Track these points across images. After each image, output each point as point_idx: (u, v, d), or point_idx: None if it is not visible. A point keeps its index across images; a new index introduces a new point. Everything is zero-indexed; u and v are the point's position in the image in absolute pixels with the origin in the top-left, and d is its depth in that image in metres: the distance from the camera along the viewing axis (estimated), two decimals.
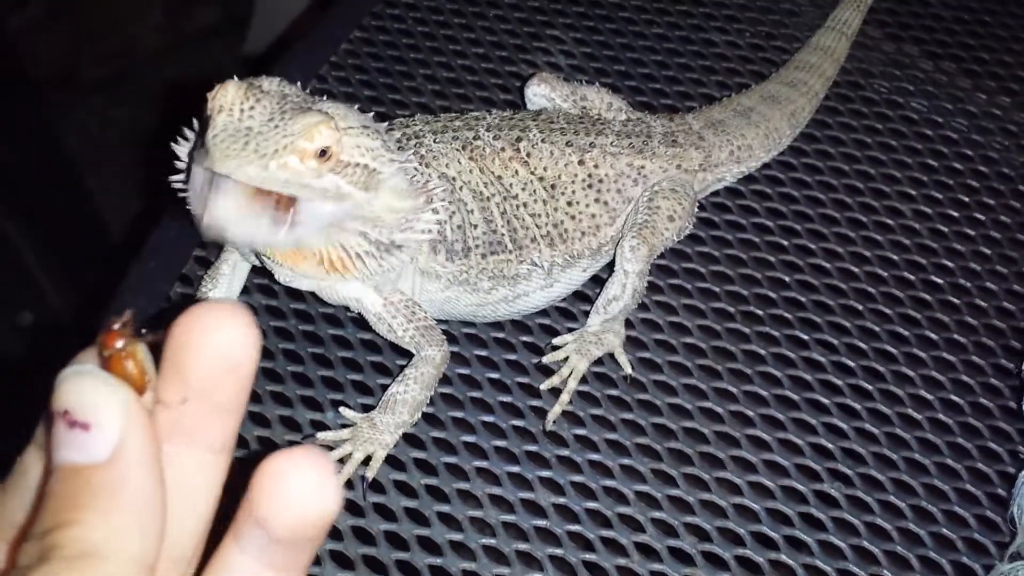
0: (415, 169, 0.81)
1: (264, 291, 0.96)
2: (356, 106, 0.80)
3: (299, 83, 0.78)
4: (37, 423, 0.44)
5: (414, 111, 1.09)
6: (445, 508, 0.86)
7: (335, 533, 0.84)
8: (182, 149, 0.79)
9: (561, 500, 0.87)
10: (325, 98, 0.78)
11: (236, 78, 0.73)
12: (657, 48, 1.17)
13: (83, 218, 2.39)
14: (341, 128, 0.73)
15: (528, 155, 0.89)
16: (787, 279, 1.00)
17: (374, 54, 1.14)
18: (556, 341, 0.94)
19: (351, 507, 0.85)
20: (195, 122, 0.78)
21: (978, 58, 1.18)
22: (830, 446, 0.91)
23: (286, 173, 0.71)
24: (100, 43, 2.68)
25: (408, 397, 0.86)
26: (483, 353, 0.94)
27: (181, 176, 0.79)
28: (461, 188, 0.86)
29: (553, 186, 0.90)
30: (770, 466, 0.89)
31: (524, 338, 0.96)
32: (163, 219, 0.99)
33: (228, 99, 0.71)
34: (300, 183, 0.72)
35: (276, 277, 0.84)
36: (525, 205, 0.89)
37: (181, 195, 0.78)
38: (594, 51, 1.16)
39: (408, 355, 0.91)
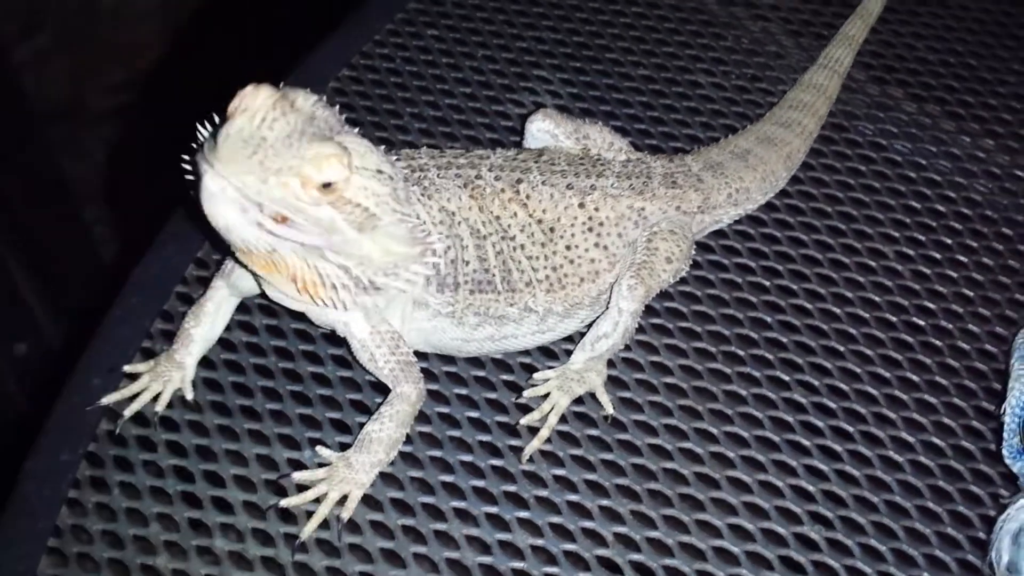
0: (418, 220, 0.81)
1: (245, 328, 0.96)
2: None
3: (336, 108, 0.78)
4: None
5: (401, 149, 1.10)
6: (422, 549, 0.85)
7: (310, 574, 0.83)
8: (206, 135, 0.78)
9: (539, 542, 0.86)
10: (357, 131, 0.79)
11: (270, 85, 0.73)
12: (643, 89, 1.18)
13: (82, 249, 2.40)
14: (354, 167, 0.74)
15: (527, 197, 0.90)
16: (769, 319, 1.00)
17: (362, 92, 1.15)
18: (537, 376, 0.94)
19: (326, 548, 0.84)
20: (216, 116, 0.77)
21: (962, 101, 1.19)
22: (811, 488, 0.90)
23: (283, 192, 0.72)
24: (106, 74, 2.71)
25: (383, 435, 0.86)
26: (463, 391, 0.94)
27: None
28: (459, 224, 0.87)
29: (552, 229, 0.90)
30: (750, 508, 0.89)
31: (504, 376, 0.95)
32: (146, 255, 1.00)
33: (255, 103, 0.72)
34: (295, 206, 0.73)
35: (266, 293, 0.85)
36: (522, 247, 0.89)
37: (189, 178, 0.78)
38: (581, 91, 1.17)
39: (388, 393, 0.91)
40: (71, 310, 2.23)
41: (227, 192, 0.71)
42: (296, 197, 0.72)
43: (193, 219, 1.00)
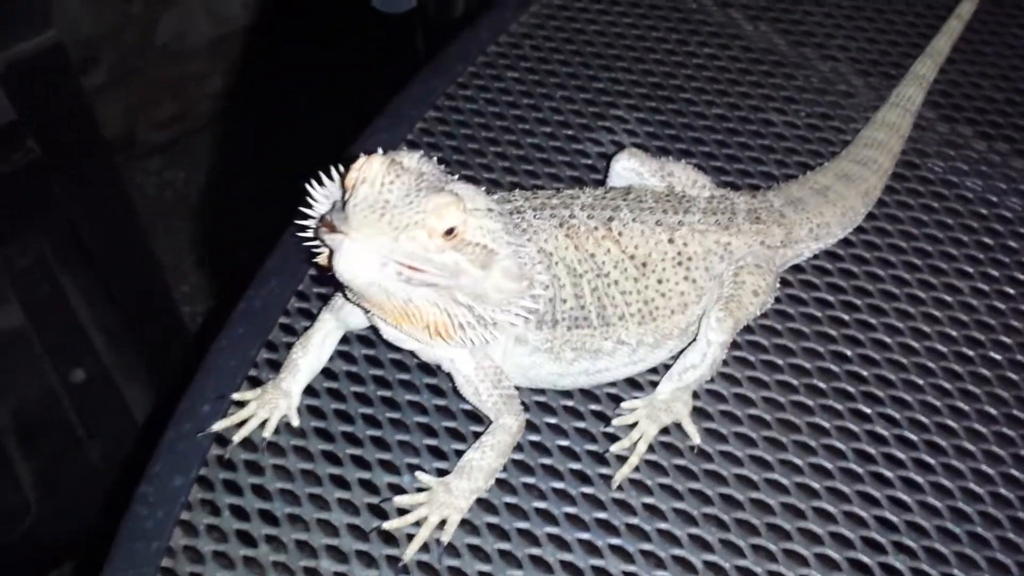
0: (526, 253, 0.86)
1: (345, 358, 1.00)
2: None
3: (435, 159, 0.85)
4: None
5: (486, 188, 1.14)
6: (518, 573, 0.88)
7: None
8: (317, 194, 0.85)
9: (631, 568, 0.89)
10: (457, 178, 0.85)
11: (380, 152, 0.80)
12: (717, 128, 1.22)
13: (136, 276, 2.46)
14: (468, 210, 0.79)
15: (620, 234, 0.93)
16: (848, 353, 1.03)
17: (447, 132, 1.20)
18: (625, 405, 0.97)
19: (427, 570, 0.88)
20: (332, 175, 0.85)
21: None
22: (894, 519, 0.92)
23: (413, 246, 0.78)
24: (158, 109, 2.79)
25: (484, 464, 0.89)
26: (553, 421, 0.97)
27: (310, 220, 0.86)
28: (556, 264, 0.91)
29: (644, 264, 0.94)
30: (836, 538, 0.91)
31: (592, 406, 0.99)
32: (249, 288, 1.04)
33: (372, 172, 0.78)
34: (424, 257, 0.78)
35: (381, 333, 0.90)
36: (616, 283, 0.93)
37: (307, 241, 0.86)
38: (657, 130, 1.21)
39: (481, 423, 0.95)
40: (127, 336, 2.28)
41: (365, 255, 0.77)
42: (424, 248, 0.78)
43: (294, 254, 1.05)
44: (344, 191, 0.79)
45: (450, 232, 0.79)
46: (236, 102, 2.85)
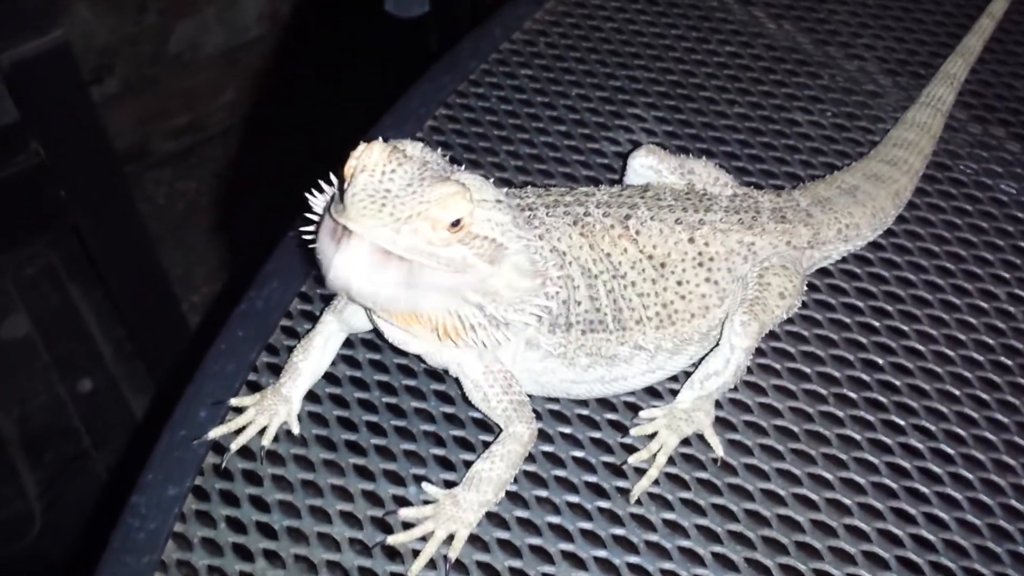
0: (538, 248, 0.81)
1: (349, 362, 0.95)
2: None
3: (439, 151, 0.80)
4: None
5: (500, 187, 1.09)
6: None
7: None
8: (317, 201, 0.80)
9: None
10: (463, 168, 0.80)
11: (381, 139, 0.75)
12: (739, 127, 1.17)
13: (144, 287, 2.43)
14: (475, 200, 0.74)
15: (637, 233, 0.88)
16: (880, 361, 0.97)
17: (458, 131, 1.16)
18: (644, 414, 0.92)
19: None
20: (333, 177, 0.80)
21: None
22: (931, 538, 0.86)
23: (416, 239, 0.72)
24: (171, 118, 2.77)
25: (493, 475, 0.84)
26: (567, 431, 0.92)
27: (311, 228, 0.80)
28: (571, 263, 0.86)
29: (663, 264, 0.89)
30: (870, 558, 0.85)
31: (609, 416, 0.94)
32: (250, 289, 1.00)
33: (372, 160, 0.73)
34: (428, 250, 0.73)
35: (386, 337, 0.85)
36: (633, 284, 0.88)
37: (310, 246, 0.80)
38: (676, 129, 1.16)
39: (492, 432, 0.90)
40: (135, 347, 2.25)
41: (361, 257, 0.71)
42: (428, 241, 0.73)
43: (296, 254, 1.01)
44: (343, 181, 0.74)
45: (456, 224, 0.74)
46: (249, 113, 2.82)
